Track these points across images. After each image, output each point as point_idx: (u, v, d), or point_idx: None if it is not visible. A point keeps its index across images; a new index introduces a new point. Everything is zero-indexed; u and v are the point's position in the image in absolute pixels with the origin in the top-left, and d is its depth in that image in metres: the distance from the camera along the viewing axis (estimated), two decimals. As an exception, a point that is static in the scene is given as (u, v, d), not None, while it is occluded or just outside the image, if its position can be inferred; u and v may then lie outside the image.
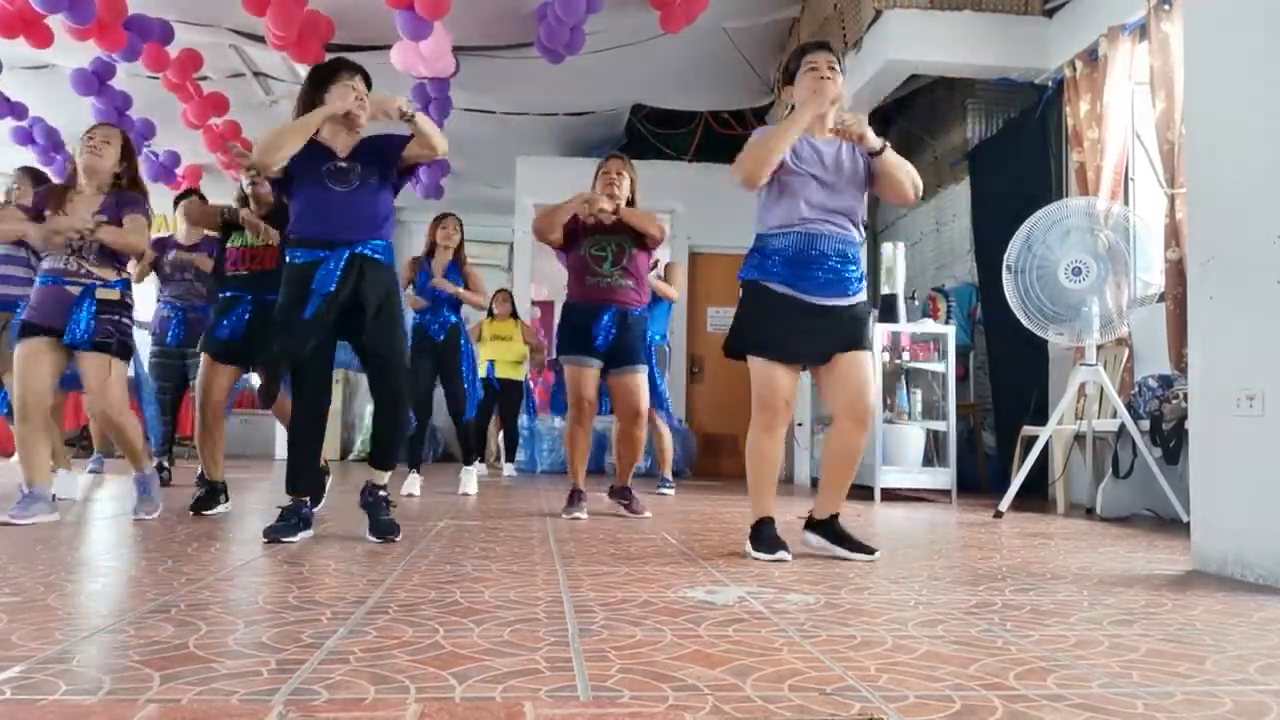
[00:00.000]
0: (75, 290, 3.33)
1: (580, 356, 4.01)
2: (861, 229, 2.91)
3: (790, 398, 2.87)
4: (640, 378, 4.06)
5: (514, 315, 7.56)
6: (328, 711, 1.21)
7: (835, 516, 2.88)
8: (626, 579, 2.34)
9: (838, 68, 2.87)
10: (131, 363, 3.60)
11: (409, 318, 4.84)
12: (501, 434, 7.83)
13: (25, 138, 7.66)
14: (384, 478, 3.17)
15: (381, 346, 3.08)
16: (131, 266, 3.72)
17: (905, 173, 2.85)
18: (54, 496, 3.40)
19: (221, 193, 6.64)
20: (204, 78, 7.11)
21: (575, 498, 4.08)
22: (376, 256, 3.06)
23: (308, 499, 3.11)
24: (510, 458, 7.55)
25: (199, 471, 5.42)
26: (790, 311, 2.80)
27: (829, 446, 2.93)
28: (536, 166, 8.81)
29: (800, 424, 6.77)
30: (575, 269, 4.10)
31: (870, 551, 2.79)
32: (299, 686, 1.32)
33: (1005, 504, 4.38)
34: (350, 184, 3.05)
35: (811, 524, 2.92)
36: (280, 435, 9.46)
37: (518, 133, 8.73)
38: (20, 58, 6.82)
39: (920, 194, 2.89)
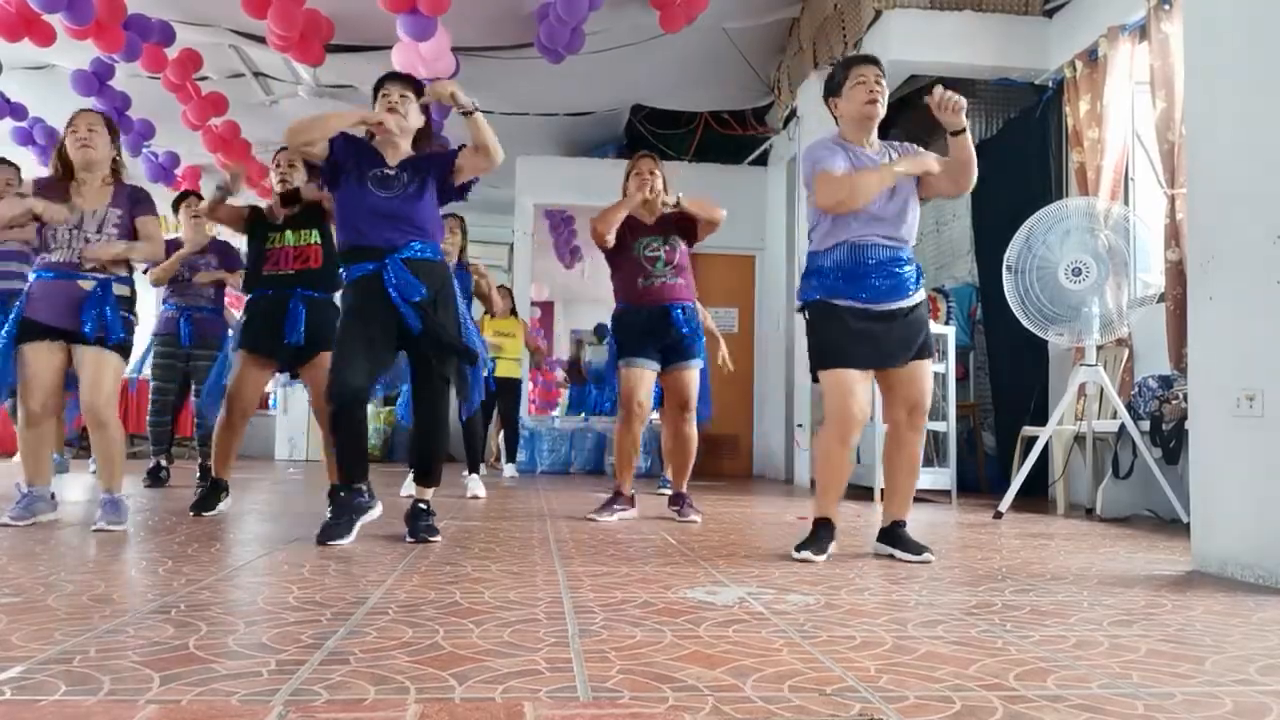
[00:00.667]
0: (88, 285, 3.22)
1: (640, 359, 4.01)
2: (912, 235, 2.95)
3: (868, 407, 2.92)
4: (694, 373, 4.09)
5: (514, 313, 7.55)
6: (328, 712, 1.21)
7: (900, 523, 2.93)
8: (626, 579, 2.34)
9: (883, 81, 2.94)
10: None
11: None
12: (501, 434, 7.82)
13: (25, 138, 7.65)
14: (428, 492, 3.19)
15: (440, 339, 3.06)
16: (140, 268, 3.69)
17: (972, 156, 2.91)
18: (53, 495, 3.38)
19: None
20: (204, 78, 7.11)
21: (613, 500, 4.06)
22: (425, 256, 3.09)
23: (362, 486, 3.10)
24: (511, 458, 7.55)
25: (197, 471, 5.46)
26: (856, 321, 2.86)
27: (891, 454, 3.01)
28: (536, 166, 8.81)
29: (800, 425, 6.77)
30: (626, 273, 4.09)
31: (920, 551, 2.81)
32: (299, 687, 1.32)
33: (1005, 504, 4.38)
34: (394, 190, 3.09)
35: (882, 532, 2.97)
36: (281, 436, 9.48)
37: (518, 133, 8.72)
38: (20, 58, 6.82)
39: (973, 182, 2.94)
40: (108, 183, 3.35)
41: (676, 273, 4.06)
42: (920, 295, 2.93)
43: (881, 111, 2.92)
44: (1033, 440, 4.66)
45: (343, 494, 3.08)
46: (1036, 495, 5.17)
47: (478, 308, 5.61)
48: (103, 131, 3.33)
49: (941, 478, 5.49)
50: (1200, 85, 2.86)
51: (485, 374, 5.22)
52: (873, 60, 2.98)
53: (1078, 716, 1.25)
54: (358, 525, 3.04)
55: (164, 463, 5.46)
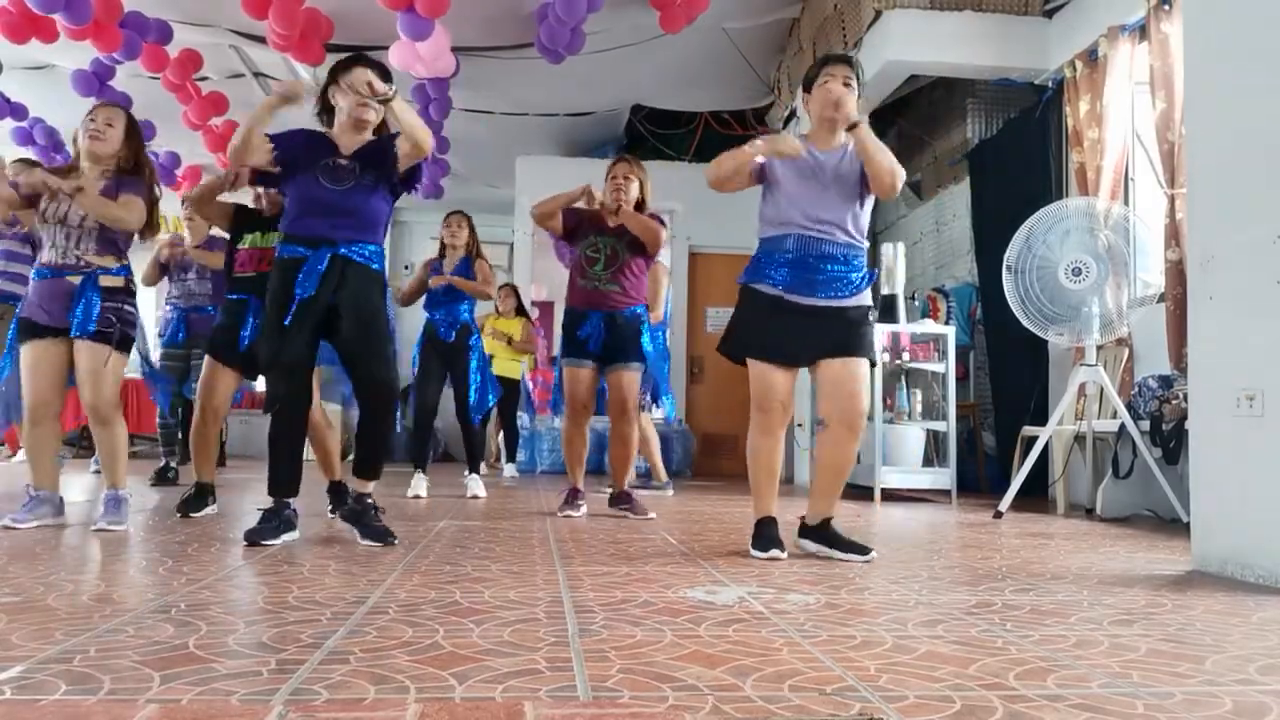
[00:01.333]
0: (76, 280, 3.18)
1: (573, 358, 4.08)
2: (860, 234, 2.92)
3: (787, 399, 2.90)
4: (629, 375, 4.08)
5: (519, 312, 7.53)
6: (328, 711, 1.21)
7: (828, 520, 2.91)
8: (626, 579, 2.34)
9: (853, 82, 2.90)
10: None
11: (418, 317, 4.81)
12: (501, 434, 7.82)
13: (25, 138, 7.66)
14: (369, 486, 3.09)
15: (360, 352, 3.00)
16: (138, 269, 3.66)
17: (882, 156, 2.81)
18: (62, 500, 3.32)
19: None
20: (204, 78, 7.11)
21: (572, 496, 4.11)
22: (361, 260, 3.01)
23: (290, 501, 3.03)
24: (511, 458, 7.54)
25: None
26: (781, 313, 2.84)
27: (820, 452, 2.98)
28: (536, 167, 8.80)
29: (800, 425, 6.77)
30: (572, 269, 4.16)
31: (864, 552, 2.79)
32: (299, 686, 1.32)
33: (1005, 504, 4.38)
34: (344, 182, 3.00)
35: (805, 529, 2.94)
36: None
37: (518, 133, 8.73)
38: (20, 58, 6.82)
39: (898, 186, 2.86)
40: (105, 176, 3.26)
41: (613, 279, 4.04)
42: (861, 299, 2.88)
43: (844, 111, 2.86)
44: (1033, 440, 4.66)
45: (273, 504, 2.99)
46: (1036, 495, 5.17)
47: (481, 305, 5.60)
48: (119, 127, 3.28)
49: (941, 478, 5.49)
50: (1200, 85, 2.87)
51: (482, 375, 5.25)
52: (845, 59, 2.97)
53: (1078, 716, 1.25)
54: (281, 538, 2.93)
55: (172, 463, 5.48)
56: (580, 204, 4.14)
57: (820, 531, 2.89)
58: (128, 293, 3.30)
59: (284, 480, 3.02)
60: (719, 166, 2.92)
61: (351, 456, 3.25)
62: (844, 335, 2.83)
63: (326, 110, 3.17)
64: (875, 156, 2.80)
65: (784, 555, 2.77)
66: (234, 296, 3.81)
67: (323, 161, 3.02)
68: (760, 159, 2.90)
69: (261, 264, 3.76)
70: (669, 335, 6.50)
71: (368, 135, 3.12)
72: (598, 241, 4.07)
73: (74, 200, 3.14)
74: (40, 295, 3.21)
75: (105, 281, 3.22)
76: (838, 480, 2.92)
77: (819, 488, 2.95)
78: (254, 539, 2.85)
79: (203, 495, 3.74)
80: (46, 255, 3.23)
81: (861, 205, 2.92)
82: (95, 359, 3.17)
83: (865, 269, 2.91)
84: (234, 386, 3.85)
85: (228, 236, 3.98)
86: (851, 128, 2.83)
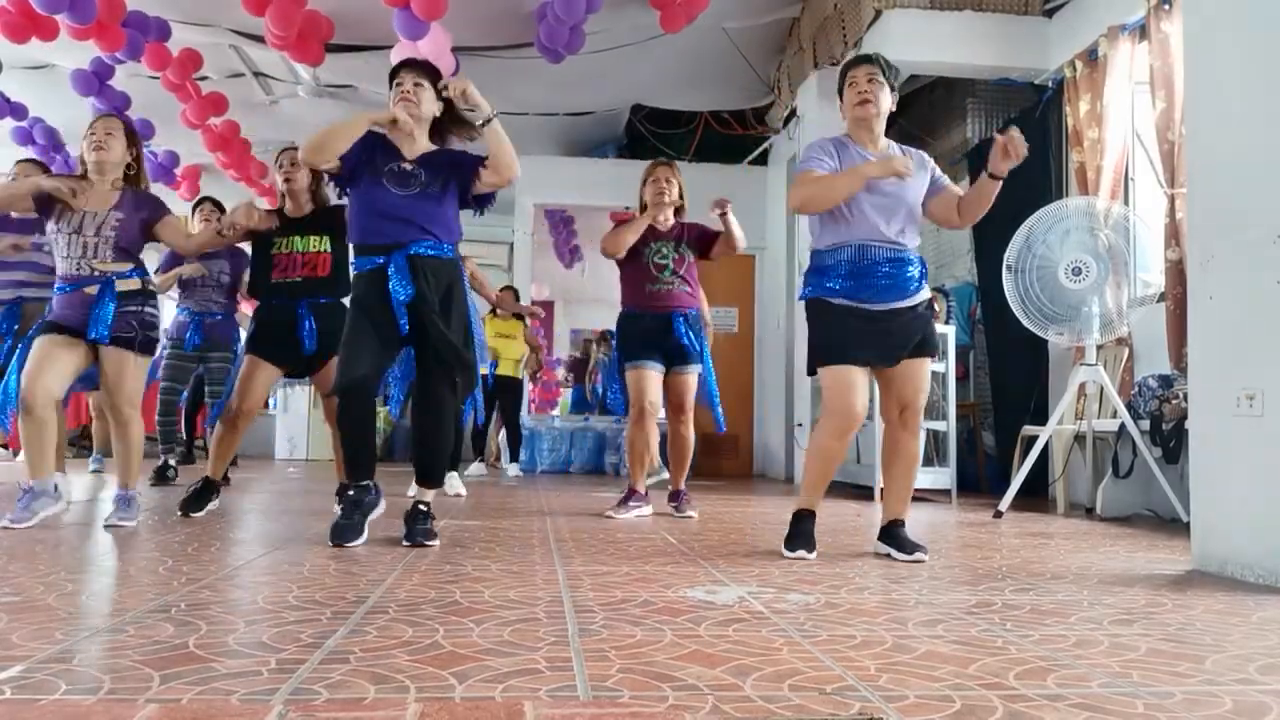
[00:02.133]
0: (93, 289, 3.25)
1: (645, 361, 4.10)
2: (916, 234, 2.96)
3: (865, 402, 2.92)
4: (692, 378, 4.16)
5: (519, 314, 7.55)
6: (328, 711, 1.21)
7: (898, 523, 2.94)
8: (626, 579, 2.34)
9: (879, 78, 2.93)
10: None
11: None
12: (503, 433, 7.82)
13: (25, 138, 7.66)
14: (428, 493, 3.12)
15: (448, 338, 2.96)
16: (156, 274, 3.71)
17: (990, 202, 2.93)
18: (56, 487, 3.29)
19: (222, 192, 6.64)
20: (204, 78, 7.11)
21: (628, 498, 4.14)
22: (433, 253, 2.99)
23: (370, 483, 3.05)
24: (515, 457, 7.55)
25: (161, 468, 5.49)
26: (854, 320, 2.87)
27: (886, 452, 3.03)
28: (536, 166, 8.79)
29: (800, 424, 6.77)
30: (633, 277, 4.17)
31: (914, 550, 2.81)
32: (299, 686, 1.32)
33: (1005, 504, 4.38)
34: (411, 188, 2.99)
35: (881, 531, 2.98)
36: (281, 436, 9.48)
37: (518, 133, 8.69)
38: (20, 58, 6.82)
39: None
40: (116, 187, 3.35)
41: (683, 280, 4.15)
42: (923, 295, 2.94)
43: (876, 109, 2.91)
44: (1033, 440, 4.66)
45: (351, 492, 3.02)
46: (1036, 495, 5.17)
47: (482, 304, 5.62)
48: (119, 136, 3.36)
49: (941, 477, 5.49)
50: (1200, 85, 2.86)
51: (484, 373, 5.26)
52: (866, 59, 2.98)
53: (1077, 715, 1.25)
54: (367, 524, 2.99)
55: (172, 462, 5.50)
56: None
57: (886, 530, 2.95)
58: (145, 294, 3.36)
59: (358, 463, 3.04)
60: (832, 190, 2.83)
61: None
62: (922, 333, 2.91)
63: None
64: (987, 205, 2.93)
65: (812, 557, 2.79)
66: (275, 301, 3.78)
67: (387, 166, 3.00)
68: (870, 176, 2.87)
69: (305, 268, 3.76)
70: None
71: (424, 138, 3.12)
72: (662, 248, 4.15)
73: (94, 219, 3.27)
74: (62, 304, 3.30)
75: (121, 286, 3.28)
76: (905, 481, 2.99)
77: (890, 488, 3.02)
78: (338, 541, 2.85)
79: (207, 492, 3.74)
80: (61, 268, 3.30)
81: (918, 212, 2.97)
82: (118, 363, 3.28)
83: (920, 264, 2.95)
84: (269, 386, 3.87)
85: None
86: (997, 177, 2.85)
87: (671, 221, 4.21)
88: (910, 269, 2.90)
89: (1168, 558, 3.03)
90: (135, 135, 3.46)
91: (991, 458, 6.41)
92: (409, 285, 2.93)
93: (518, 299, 7.62)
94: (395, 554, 2.71)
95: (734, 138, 8.80)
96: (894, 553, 2.85)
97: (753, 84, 7.94)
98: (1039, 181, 5.65)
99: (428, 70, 3.14)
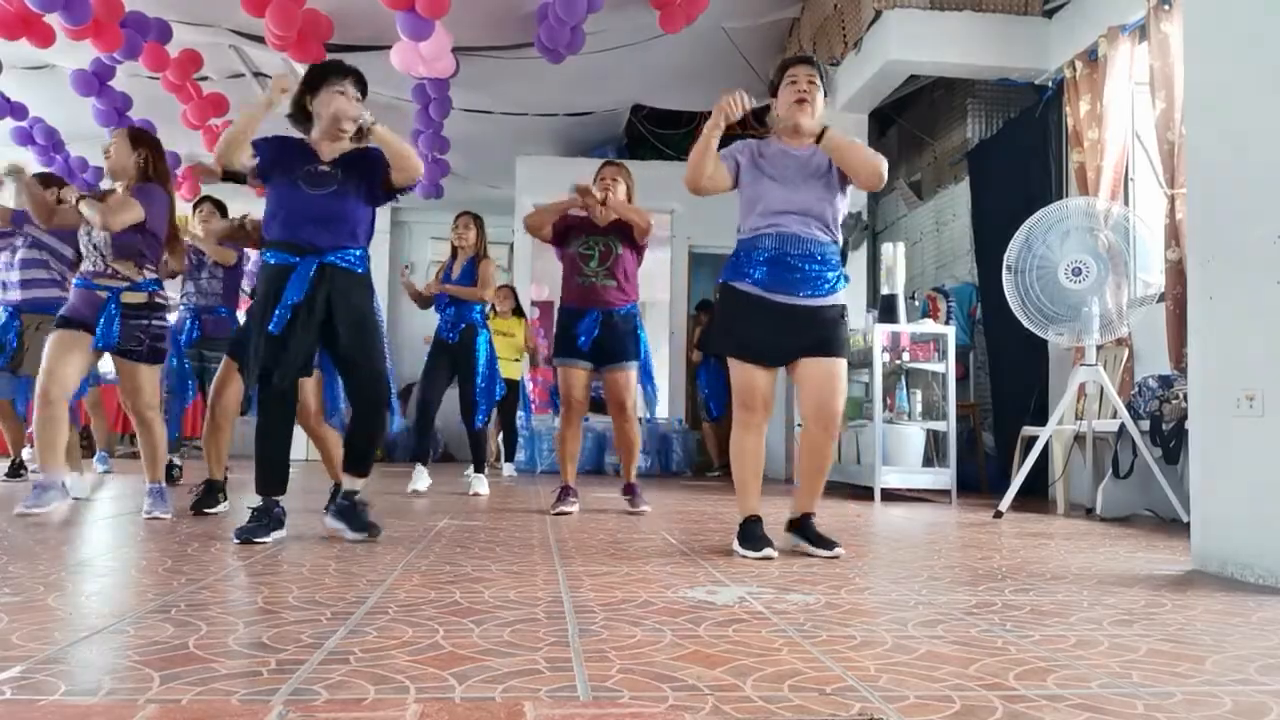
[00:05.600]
0: (103, 294, 3.46)
1: (568, 358, 4.13)
2: (837, 230, 2.95)
3: (768, 397, 2.95)
4: (626, 374, 4.15)
5: (517, 312, 7.54)
6: (328, 711, 1.21)
7: (809, 516, 2.96)
8: (626, 579, 2.34)
9: (818, 81, 2.94)
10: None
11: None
12: (500, 434, 7.82)
13: (25, 138, 7.66)
14: (359, 483, 3.12)
15: (355, 354, 3.04)
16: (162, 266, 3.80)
17: (855, 153, 2.85)
18: (64, 484, 3.49)
19: (222, 192, 6.64)
20: (204, 78, 7.11)
21: (563, 493, 4.18)
22: (346, 265, 3.03)
23: (279, 499, 3.05)
24: (510, 457, 7.54)
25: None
26: (759, 312, 2.87)
27: (800, 449, 3.04)
28: (536, 166, 8.81)
29: (800, 425, 6.76)
30: (565, 269, 4.22)
31: (830, 546, 2.83)
32: (299, 686, 1.32)
33: (1005, 504, 4.38)
34: (326, 187, 3.02)
35: (789, 524, 3.01)
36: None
37: (518, 133, 8.73)
38: (20, 58, 6.82)
39: (883, 177, 2.89)
40: (129, 189, 3.57)
41: (609, 275, 4.11)
42: (836, 299, 2.90)
43: (810, 109, 2.90)
44: (1033, 440, 4.66)
45: (263, 503, 3.01)
46: (1036, 495, 5.17)
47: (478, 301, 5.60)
48: (123, 144, 3.61)
49: (941, 477, 5.49)
50: (1200, 85, 2.87)
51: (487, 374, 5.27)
52: (806, 60, 3.00)
53: (1078, 716, 1.25)
54: (271, 535, 2.94)
55: (175, 460, 5.51)
56: (574, 210, 4.17)
57: (797, 526, 2.97)
58: (154, 308, 3.55)
59: (273, 479, 3.05)
60: (690, 162, 2.92)
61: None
62: (822, 334, 2.87)
63: (302, 116, 3.15)
64: (846, 157, 2.85)
65: (776, 553, 2.79)
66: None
67: (304, 168, 3.03)
68: (717, 135, 2.89)
69: None
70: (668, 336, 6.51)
71: (346, 142, 3.13)
72: (589, 240, 4.13)
73: (78, 208, 3.50)
74: (78, 300, 3.54)
75: (127, 298, 3.49)
76: (816, 478, 2.99)
77: (800, 484, 3.04)
78: (246, 537, 2.87)
79: (213, 493, 3.77)
80: (85, 265, 3.57)
81: (837, 199, 2.94)
82: (130, 374, 3.51)
83: (841, 269, 2.94)
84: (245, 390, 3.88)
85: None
86: (819, 139, 2.85)
87: (611, 219, 4.15)
88: (828, 269, 2.88)
89: (1168, 558, 3.03)
90: (140, 136, 3.69)
91: (991, 458, 6.42)
92: (300, 290, 2.93)
93: (516, 300, 7.61)
94: (395, 554, 2.71)
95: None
96: (807, 546, 2.87)
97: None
98: (1039, 182, 5.66)
99: (359, 79, 3.14)
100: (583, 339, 4.06)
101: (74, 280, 3.62)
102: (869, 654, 1.58)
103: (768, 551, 2.77)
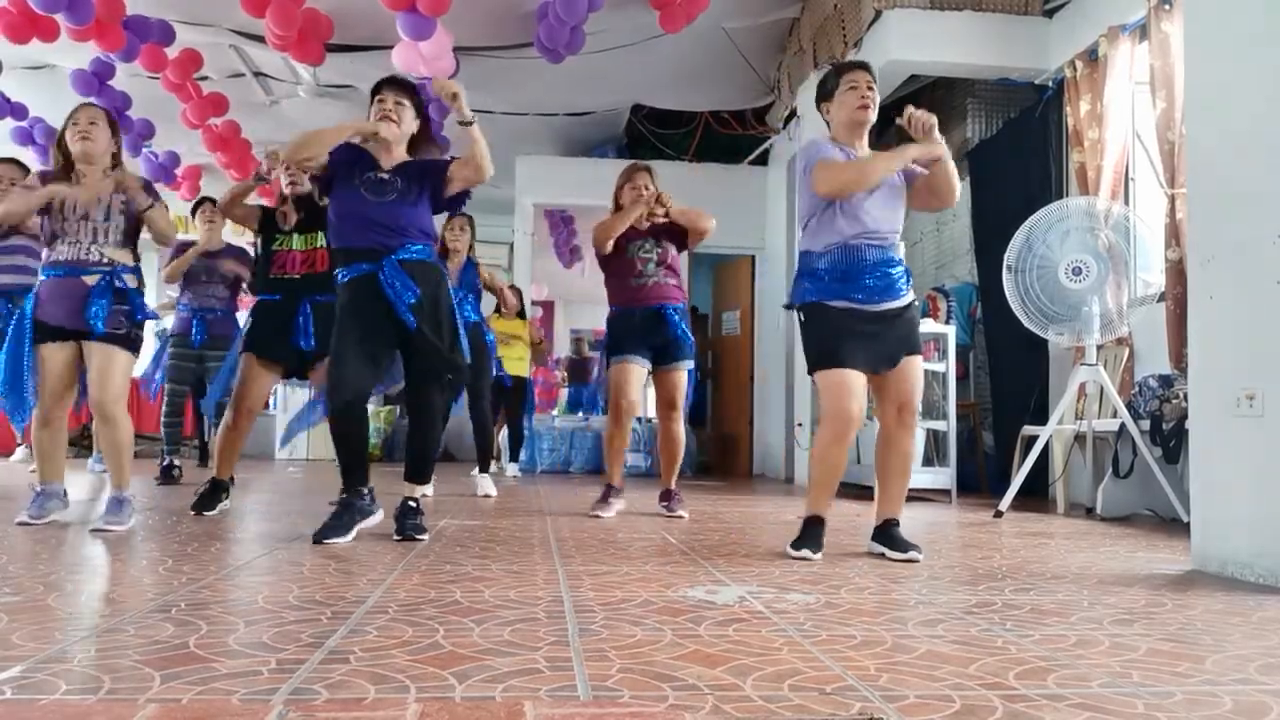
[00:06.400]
0: (92, 280, 3.20)
1: (631, 356, 4.10)
2: (901, 236, 3.00)
3: (864, 406, 2.94)
4: (680, 374, 4.16)
5: (522, 314, 7.54)
6: (328, 711, 1.21)
7: (893, 521, 2.94)
8: (626, 579, 2.34)
9: (875, 88, 2.97)
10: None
11: None
12: (505, 432, 7.82)
13: (25, 138, 7.65)
14: (418, 491, 3.21)
15: (432, 343, 3.07)
16: (158, 268, 3.73)
17: (955, 181, 2.93)
18: (65, 492, 3.42)
19: (220, 192, 6.63)
20: (204, 78, 7.11)
21: (607, 494, 4.16)
22: (419, 257, 3.11)
23: (365, 489, 3.12)
24: (515, 457, 7.55)
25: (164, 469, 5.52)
26: (851, 321, 2.88)
27: (881, 451, 3.02)
28: (536, 166, 8.81)
29: (800, 424, 6.77)
30: (619, 274, 4.18)
31: (907, 549, 2.80)
32: (299, 686, 1.32)
33: (1005, 504, 4.38)
34: (387, 195, 3.10)
35: (875, 531, 2.97)
36: (280, 434, 9.47)
37: (518, 133, 8.72)
38: (20, 58, 6.82)
39: (957, 196, 2.98)
40: (109, 174, 3.33)
41: (668, 274, 4.17)
42: (910, 296, 2.97)
43: (872, 117, 2.96)
44: (1033, 440, 4.66)
45: (344, 495, 3.10)
46: (1037, 495, 5.17)
47: (488, 301, 5.62)
48: (103, 125, 3.33)
49: (941, 477, 5.49)
50: (1200, 85, 2.86)
51: (497, 371, 5.29)
52: (865, 66, 3.01)
53: (1078, 715, 1.25)
54: (357, 528, 3.05)
55: (177, 461, 5.52)
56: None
57: (880, 530, 2.94)
58: (138, 292, 3.35)
59: (352, 469, 3.11)
60: (872, 171, 2.83)
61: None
62: (908, 335, 2.93)
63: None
64: (953, 178, 2.91)
65: (816, 557, 2.78)
66: (274, 297, 3.82)
67: (364, 175, 3.12)
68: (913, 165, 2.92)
69: (305, 265, 3.81)
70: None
71: (401, 151, 3.22)
72: (644, 244, 4.16)
73: (143, 210, 3.30)
74: (51, 295, 3.22)
75: (126, 282, 3.28)
76: (902, 480, 3.00)
77: (883, 489, 3.01)
78: (320, 538, 2.91)
79: (216, 492, 3.76)
80: (62, 252, 3.22)
81: (902, 206, 2.99)
82: (106, 359, 3.21)
83: (905, 266, 2.98)
84: (271, 386, 3.89)
85: (241, 246, 4.03)
86: (936, 161, 2.88)
87: (646, 223, 4.20)
88: (896, 269, 2.93)
89: (1168, 558, 3.03)
90: (117, 125, 3.45)
91: (991, 457, 6.41)
92: (411, 287, 3.03)
93: (522, 302, 7.60)
94: (395, 554, 2.71)
95: (734, 138, 8.80)
96: (888, 552, 2.84)
97: (753, 84, 7.94)
98: (1039, 181, 5.66)
99: (409, 90, 3.27)
100: (649, 336, 4.07)
101: (43, 270, 3.26)
102: (869, 653, 1.58)
103: (805, 553, 2.78)
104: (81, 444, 8.39)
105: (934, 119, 2.85)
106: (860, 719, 1.23)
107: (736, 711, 1.24)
